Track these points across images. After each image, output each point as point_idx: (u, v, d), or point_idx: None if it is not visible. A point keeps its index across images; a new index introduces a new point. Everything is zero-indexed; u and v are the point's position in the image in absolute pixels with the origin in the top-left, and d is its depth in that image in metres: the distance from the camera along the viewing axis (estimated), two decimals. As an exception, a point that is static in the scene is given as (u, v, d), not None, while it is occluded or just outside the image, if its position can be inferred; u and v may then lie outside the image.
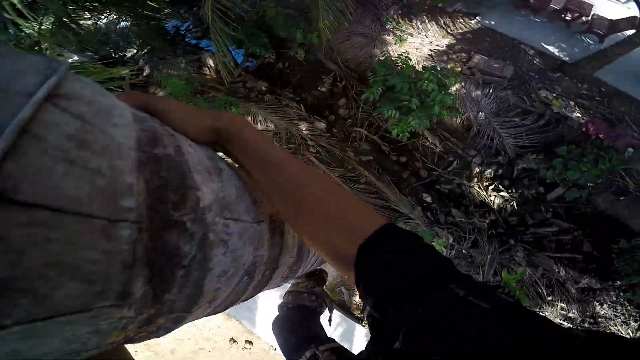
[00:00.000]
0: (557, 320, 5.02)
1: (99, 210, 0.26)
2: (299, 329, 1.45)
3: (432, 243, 4.13)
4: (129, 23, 5.29)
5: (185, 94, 4.91)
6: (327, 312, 1.71)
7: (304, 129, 5.16)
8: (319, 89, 5.69)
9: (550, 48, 6.33)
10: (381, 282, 0.40)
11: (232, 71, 5.52)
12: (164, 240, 0.32)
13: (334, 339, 1.41)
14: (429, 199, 5.00)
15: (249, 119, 5.11)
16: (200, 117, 0.47)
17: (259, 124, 5.13)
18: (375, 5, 6.36)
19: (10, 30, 2.69)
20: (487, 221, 5.03)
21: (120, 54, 5.80)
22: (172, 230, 0.33)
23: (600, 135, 5.07)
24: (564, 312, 5.03)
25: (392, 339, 0.34)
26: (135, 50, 5.86)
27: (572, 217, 5.41)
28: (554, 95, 5.60)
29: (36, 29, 2.95)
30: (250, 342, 4.41)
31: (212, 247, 0.40)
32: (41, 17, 3.09)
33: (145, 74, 5.65)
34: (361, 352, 0.51)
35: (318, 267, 2.21)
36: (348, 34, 5.76)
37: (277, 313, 1.67)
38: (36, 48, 2.96)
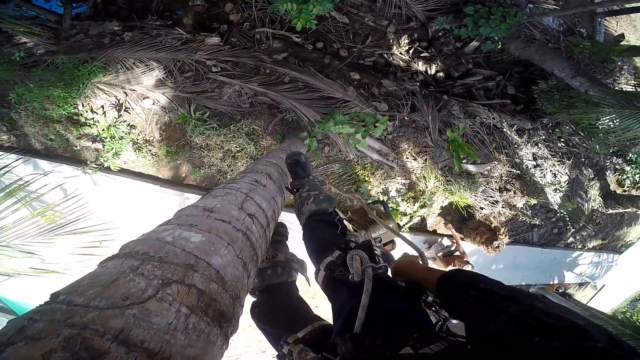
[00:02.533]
0: (506, 168, 5.31)
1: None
2: (273, 318, 1.43)
3: (377, 125, 3.90)
4: None
5: (13, 74, 3.82)
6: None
7: (194, 52, 4.32)
8: (191, 3, 4.70)
9: None
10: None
11: (57, 28, 4.29)
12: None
13: (313, 316, 1.42)
14: (357, 76, 4.77)
15: (118, 67, 4.11)
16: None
17: (135, 67, 4.13)
18: None
19: None
20: (418, 82, 5.09)
21: None
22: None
23: (502, -6, 5.16)
24: (509, 159, 5.30)
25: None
26: None
27: (491, 64, 5.68)
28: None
29: None
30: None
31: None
32: None
33: None
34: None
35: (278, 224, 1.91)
36: None
37: (252, 299, 1.61)
38: None
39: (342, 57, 4.99)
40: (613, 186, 6.88)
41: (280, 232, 2.01)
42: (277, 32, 4.71)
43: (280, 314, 1.44)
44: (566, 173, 5.84)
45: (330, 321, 1.17)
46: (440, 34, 5.30)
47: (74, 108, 4.04)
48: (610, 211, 6.83)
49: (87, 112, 4.11)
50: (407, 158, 4.94)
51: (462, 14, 4.94)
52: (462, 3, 5.16)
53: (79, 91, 3.90)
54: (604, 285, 8.50)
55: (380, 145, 4.77)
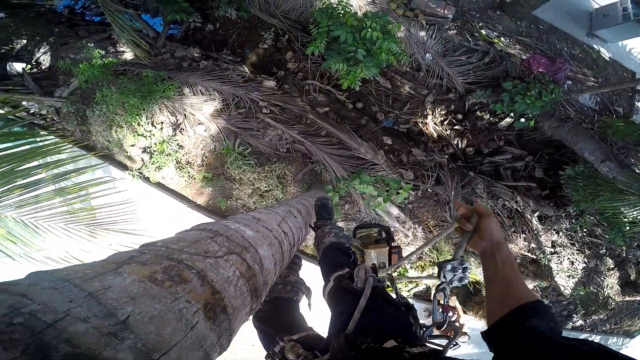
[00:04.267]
0: (522, 252, 5.34)
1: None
2: (273, 322, 1.59)
3: (400, 192, 4.10)
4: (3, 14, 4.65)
5: (104, 77, 4.46)
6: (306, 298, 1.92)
7: (252, 91, 4.89)
8: (260, 46, 5.30)
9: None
10: None
11: (152, 44, 4.98)
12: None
13: (309, 327, 1.58)
14: (389, 141, 5.04)
15: (187, 90, 4.71)
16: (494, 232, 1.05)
17: (200, 94, 4.73)
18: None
19: None
20: (447, 155, 5.21)
21: (5, 47, 5.00)
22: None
23: (541, 70, 5.36)
24: (527, 244, 5.32)
25: None
26: (25, 41, 5.06)
27: (522, 143, 5.74)
28: (496, 33, 5.75)
29: None
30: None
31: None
32: None
33: (47, 65, 4.94)
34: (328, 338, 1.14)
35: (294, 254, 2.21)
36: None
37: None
38: None
39: (378, 120, 5.34)
40: (634, 276, 6.62)
41: (296, 261, 2.25)
42: (324, 86, 5.20)
43: (280, 320, 1.61)
44: (584, 261, 5.70)
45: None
46: (477, 107, 5.48)
47: (140, 118, 4.57)
48: (628, 298, 6.51)
49: (147, 124, 4.64)
50: (423, 229, 5.08)
51: (500, 88, 5.10)
52: (502, 78, 5.33)
53: (150, 104, 4.45)
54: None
55: (399, 212, 4.93)
